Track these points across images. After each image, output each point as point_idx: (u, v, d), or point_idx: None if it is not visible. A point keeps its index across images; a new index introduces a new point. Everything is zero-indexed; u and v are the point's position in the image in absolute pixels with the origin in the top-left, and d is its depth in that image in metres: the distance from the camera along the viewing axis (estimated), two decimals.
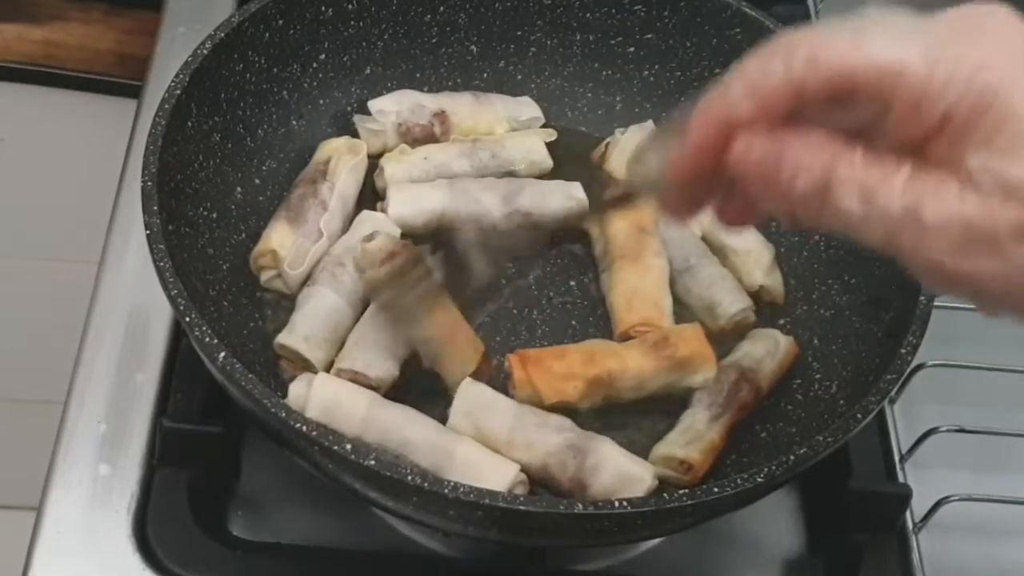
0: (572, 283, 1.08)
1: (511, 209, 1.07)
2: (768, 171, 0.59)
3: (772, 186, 0.59)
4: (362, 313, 1.00)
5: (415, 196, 1.07)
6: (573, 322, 1.05)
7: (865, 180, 0.57)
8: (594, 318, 1.05)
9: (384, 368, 0.96)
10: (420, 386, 0.98)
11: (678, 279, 1.06)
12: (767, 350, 1.01)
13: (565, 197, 1.10)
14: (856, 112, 0.58)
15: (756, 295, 1.07)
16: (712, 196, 0.67)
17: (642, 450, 0.96)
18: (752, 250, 1.08)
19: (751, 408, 0.98)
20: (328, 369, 0.96)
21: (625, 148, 1.14)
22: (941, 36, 0.56)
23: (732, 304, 1.04)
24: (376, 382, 0.95)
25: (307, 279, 1.02)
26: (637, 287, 1.03)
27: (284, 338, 0.97)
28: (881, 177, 0.56)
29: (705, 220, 1.10)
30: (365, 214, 1.06)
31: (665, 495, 0.79)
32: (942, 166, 0.56)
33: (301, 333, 0.97)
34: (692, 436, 0.95)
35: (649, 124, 1.17)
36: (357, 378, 0.95)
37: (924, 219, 0.55)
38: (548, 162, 1.15)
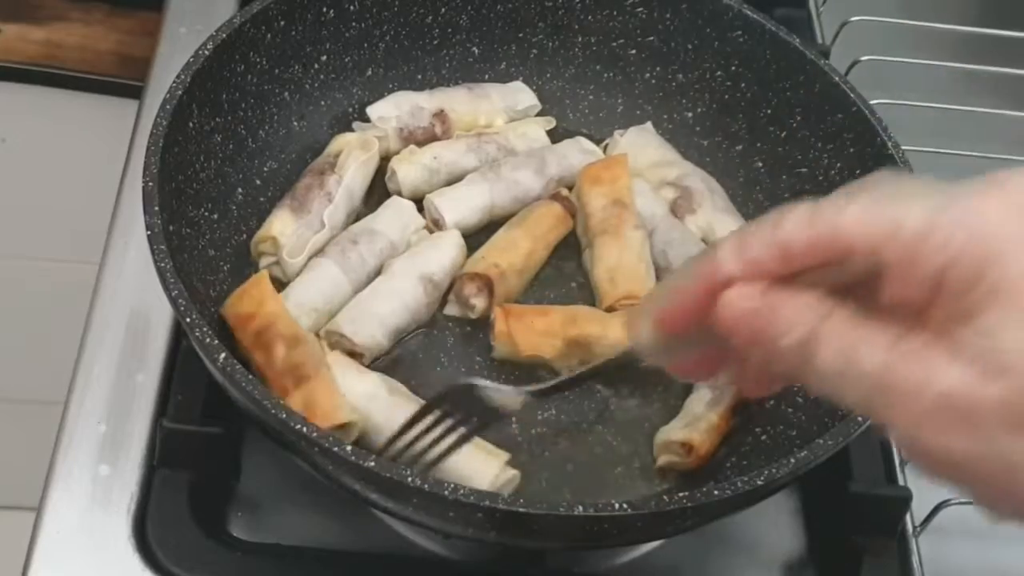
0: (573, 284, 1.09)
1: (546, 180, 1.12)
2: (754, 326, 0.57)
3: (757, 342, 0.57)
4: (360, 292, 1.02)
5: (462, 198, 1.09)
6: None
7: (847, 338, 0.54)
8: None
9: (370, 336, 0.97)
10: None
11: None
12: None
13: (581, 152, 1.15)
14: (852, 271, 0.55)
15: None
16: (699, 353, 0.65)
17: (645, 439, 0.97)
18: None
19: None
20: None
21: (623, 150, 1.14)
22: (951, 197, 0.52)
23: None
24: (361, 348, 0.96)
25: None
26: (619, 261, 1.04)
27: None
28: (864, 336, 0.53)
29: (702, 221, 1.10)
30: (394, 199, 1.08)
31: (665, 498, 0.79)
32: (936, 333, 0.52)
33: (293, 299, 0.98)
34: (691, 419, 0.97)
35: (648, 126, 1.17)
36: (343, 342, 0.96)
37: (898, 383, 0.51)
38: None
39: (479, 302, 1.02)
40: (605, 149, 1.16)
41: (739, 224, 1.11)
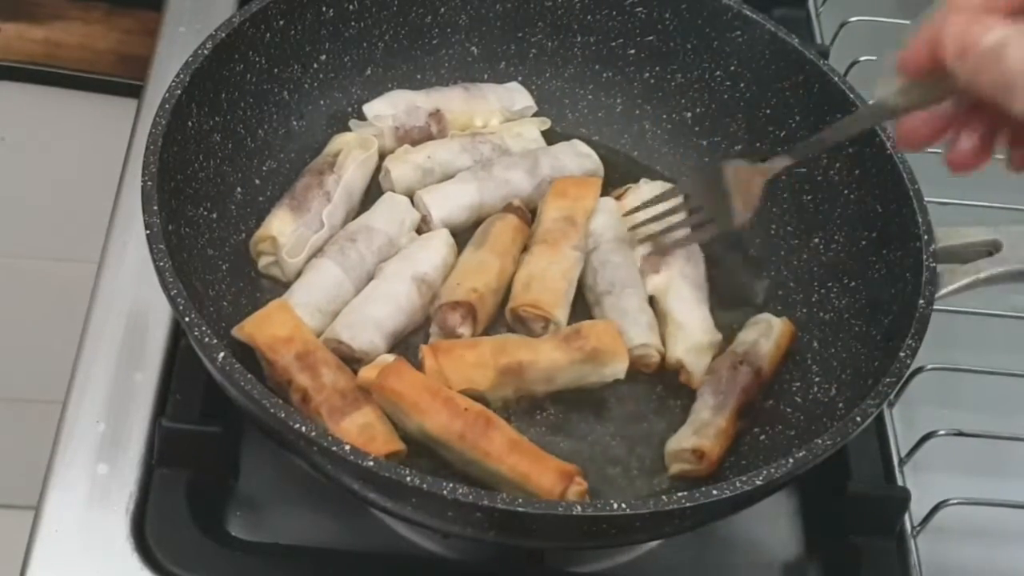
0: None
1: (538, 180, 1.11)
2: (966, 38, 0.65)
3: (967, 52, 0.65)
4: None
5: (450, 195, 1.09)
6: None
7: None
8: None
9: (368, 341, 0.97)
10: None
11: (599, 301, 1.05)
12: (760, 332, 1.03)
13: (576, 155, 1.14)
14: None
15: (672, 367, 1.03)
16: (933, 114, 0.75)
17: (644, 439, 0.98)
18: (689, 328, 1.03)
19: (755, 391, 0.99)
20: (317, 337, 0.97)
21: (643, 196, 1.10)
22: None
23: (636, 337, 1.01)
24: (359, 354, 0.96)
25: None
26: (542, 271, 1.03)
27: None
28: None
29: (660, 282, 1.06)
30: (388, 195, 1.08)
31: (663, 498, 0.79)
32: None
33: (296, 299, 0.98)
34: (699, 426, 0.97)
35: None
36: (341, 348, 0.96)
37: None
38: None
39: (466, 330, 1.00)
40: (625, 191, 1.12)
41: (696, 296, 1.05)
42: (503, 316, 1.03)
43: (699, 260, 1.09)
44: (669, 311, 1.04)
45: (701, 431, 0.96)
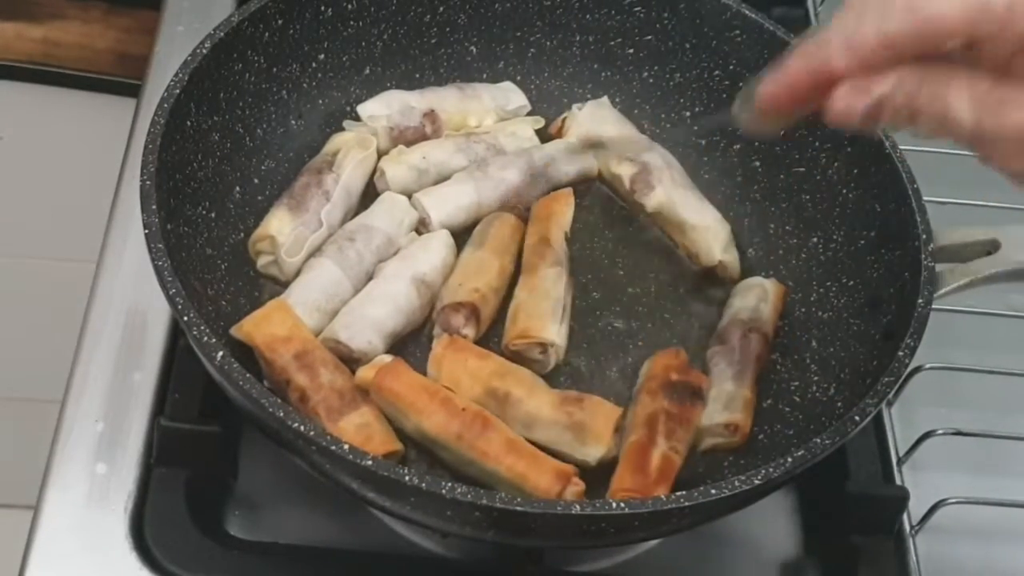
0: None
1: (534, 178, 1.11)
2: (868, 113, 0.66)
3: (870, 122, 0.67)
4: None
5: (448, 197, 1.09)
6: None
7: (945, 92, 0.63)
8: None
9: (367, 342, 0.97)
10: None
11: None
12: (759, 297, 1.04)
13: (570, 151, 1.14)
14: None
15: (713, 271, 1.08)
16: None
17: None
18: (710, 227, 1.09)
19: (765, 358, 1.01)
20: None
21: (582, 123, 1.14)
22: None
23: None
24: (358, 354, 0.96)
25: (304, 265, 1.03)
26: (524, 301, 1.01)
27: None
28: (965, 86, 0.63)
29: (663, 196, 1.10)
30: (388, 194, 1.08)
31: (662, 497, 0.79)
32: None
33: (295, 299, 0.98)
34: (726, 399, 0.97)
35: (604, 100, 1.17)
36: (339, 348, 0.96)
37: (1004, 124, 0.62)
38: None
39: (470, 331, 0.99)
40: (563, 122, 1.16)
41: (699, 200, 1.11)
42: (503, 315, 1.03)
43: (676, 162, 1.14)
44: (683, 220, 1.09)
45: (730, 405, 0.97)
